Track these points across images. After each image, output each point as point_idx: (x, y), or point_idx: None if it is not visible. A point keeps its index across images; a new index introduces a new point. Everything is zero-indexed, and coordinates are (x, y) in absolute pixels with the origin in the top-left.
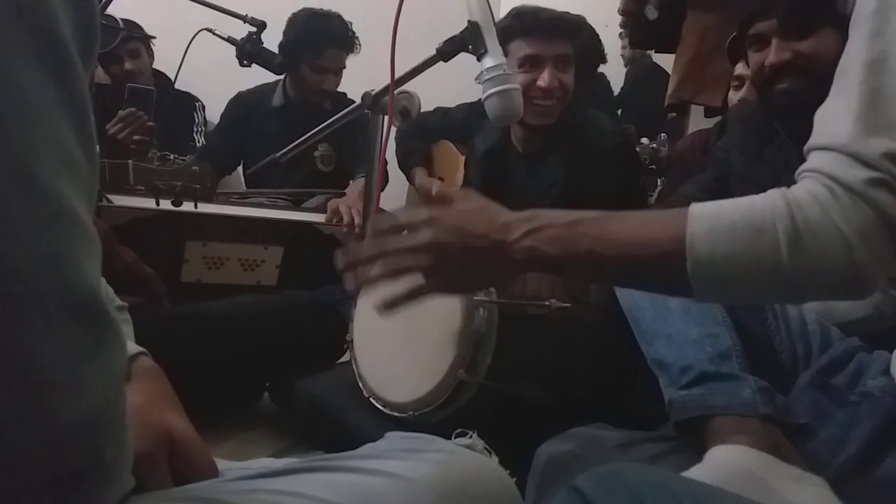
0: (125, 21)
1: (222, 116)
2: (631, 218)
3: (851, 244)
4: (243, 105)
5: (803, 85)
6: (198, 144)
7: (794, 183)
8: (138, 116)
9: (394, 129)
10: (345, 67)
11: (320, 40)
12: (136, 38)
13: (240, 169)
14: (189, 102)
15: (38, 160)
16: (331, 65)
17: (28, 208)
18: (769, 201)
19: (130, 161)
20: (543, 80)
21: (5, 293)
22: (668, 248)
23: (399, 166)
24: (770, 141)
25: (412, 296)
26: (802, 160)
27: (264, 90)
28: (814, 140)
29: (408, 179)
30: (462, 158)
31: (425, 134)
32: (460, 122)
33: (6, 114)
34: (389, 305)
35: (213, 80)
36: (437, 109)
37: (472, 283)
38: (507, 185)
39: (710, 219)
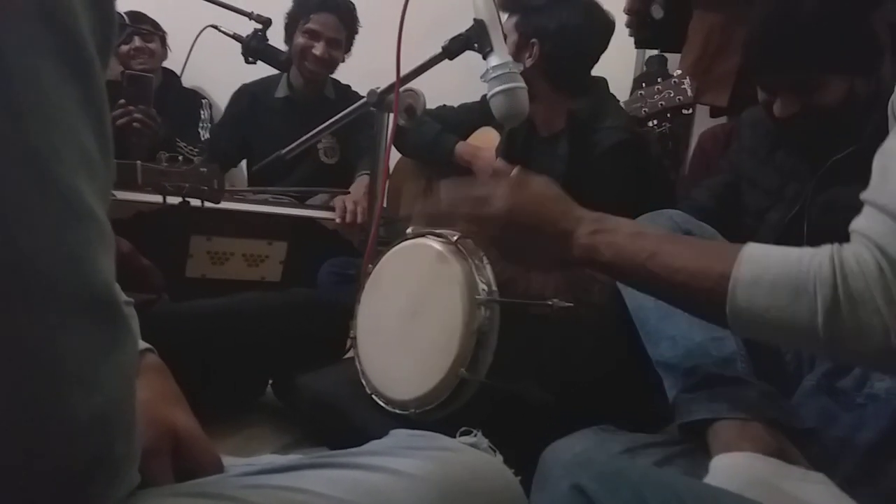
0: (140, 14)
1: (226, 109)
2: (690, 244)
3: (889, 329)
4: (247, 97)
5: (815, 126)
6: (202, 138)
7: (799, 190)
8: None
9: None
10: (341, 41)
11: (312, 3)
12: (143, 32)
13: (243, 166)
14: (195, 100)
15: (58, 158)
16: (321, 30)
17: (48, 206)
18: (817, 263)
19: (139, 161)
20: None
21: (24, 289)
22: (712, 285)
23: (429, 155)
24: (780, 146)
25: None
26: (809, 167)
27: (268, 82)
28: (871, 193)
29: (445, 163)
30: None
31: (448, 126)
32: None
33: (27, 111)
34: None
35: (219, 76)
36: (462, 106)
37: (525, 261)
38: (525, 166)
39: (756, 267)
